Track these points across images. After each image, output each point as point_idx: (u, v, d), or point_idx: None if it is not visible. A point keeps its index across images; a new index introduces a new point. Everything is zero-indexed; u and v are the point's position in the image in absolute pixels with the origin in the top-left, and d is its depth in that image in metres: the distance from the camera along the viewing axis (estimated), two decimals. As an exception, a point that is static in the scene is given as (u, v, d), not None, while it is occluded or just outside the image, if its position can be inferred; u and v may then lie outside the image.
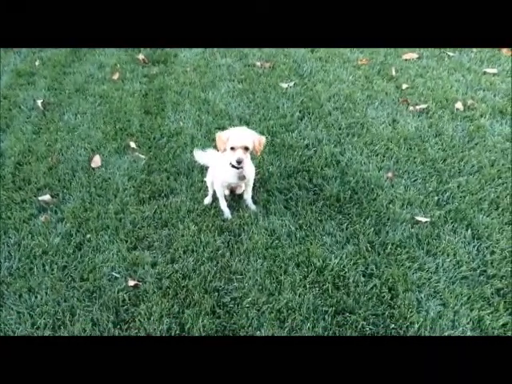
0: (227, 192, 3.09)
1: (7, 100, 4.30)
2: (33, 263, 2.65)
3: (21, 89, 4.51)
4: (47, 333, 2.28)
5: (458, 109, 4.06)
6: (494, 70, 4.69)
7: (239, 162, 2.68)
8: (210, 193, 3.07)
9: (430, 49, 5.15)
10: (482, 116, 3.94)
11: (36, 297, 2.47)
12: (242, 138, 2.67)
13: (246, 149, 2.69)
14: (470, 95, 4.27)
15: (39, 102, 4.21)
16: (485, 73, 4.65)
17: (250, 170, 2.88)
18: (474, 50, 5.12)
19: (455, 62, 4.88)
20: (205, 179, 3.08)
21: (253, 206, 3.05)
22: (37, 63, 5.02)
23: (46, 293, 2.48)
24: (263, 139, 2.79)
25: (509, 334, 2.28)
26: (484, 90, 4.34)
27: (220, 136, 2.71)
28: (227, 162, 2.77)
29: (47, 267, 2.62)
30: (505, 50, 5.07)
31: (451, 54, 5.05)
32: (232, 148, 2.67)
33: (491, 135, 3.70)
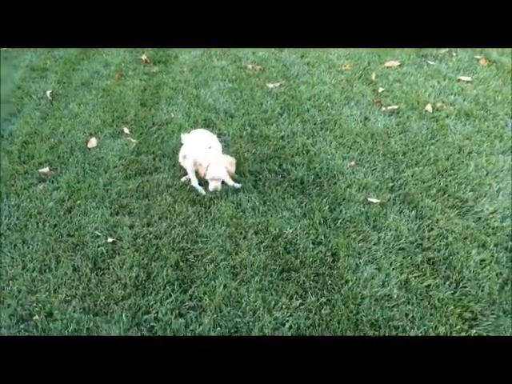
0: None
1: (20, 90, 4.80)
2: (28, 221, 3.09)
3: (33, 81, 5.02)
4: (34, 274, 2.69)
5: (426, 110, 4.41)
6: (468, 78, 5.02)
7: (215, 190, 3.27)
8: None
9: (411, 57, 5.51)
10: (447, 117, 4.29)
11: (28, 247, 2.89)
12: (218, 172, 3.21)
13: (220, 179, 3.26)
14: (440, 99, 4.61)
15: (48, 93, 4.70)
16: (459, 80, 4.99)
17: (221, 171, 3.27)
18: (454, 59, 5.46)
19: (433, 70, 5.23)
20: (179, 161, 3.48)
21: (237, 185, 3.42)
22: (49, 60, 5.53)
23: (37, 244, 2.91)
24: (234, 160, 3.35)
25: (431, 293, 2.62)
26: (455, 95, 4.67)
27: (201, 164, 3.22)
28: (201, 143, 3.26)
29: (40, 225, 3.05)
30: (482, 61, 5.41)
31: (431, 62, 5.41)
32: (210, 179, 3.22)
33: (452, 133, 4.04)
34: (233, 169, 3.31)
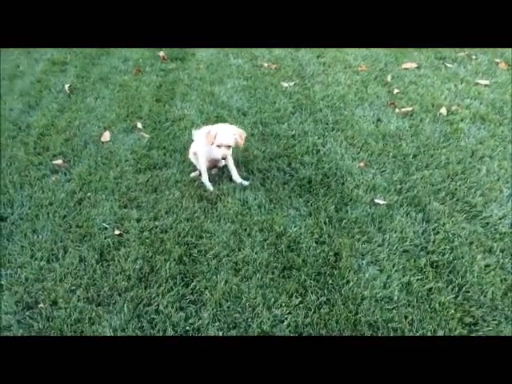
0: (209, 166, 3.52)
1: (40, 83, 4.94)
2: (39, 211, 3.17)
3: (53, 75, 5.15)
4: (42, 263, 2.77)
5: (441, 113, 4.37)
6: (486, 82, 4.95)
7: (224, 158, 3.32)
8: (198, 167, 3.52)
9: (429, 59, 5.46)
10: (461, 120, 4.23)
11: (38, 236, 2.97)
12: (226, 138, 3.23)
13: (229, 146, 3.26)
14: (456, 102, 4.56)
15: (66, 87, 4.83)
16: (477, 83, 4.92)
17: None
18: (473, 62, 5.39)
19: (451, 73, 5.18)
20: (189, 157, 3.54)
21: (245, 182, 3.47)
22: (70, 54, 5.65)
23: (46, 234, 2.99)
24: (244, 133, 3.36)
25: (432, 297, 2.61)
26: (471, 99, 4.61)
27: (209, 132, 3.23)
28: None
29: (51, 215, 3.13)
30: (502, 64, 5.32)
31: (449, 65, 5.35)
32: (218, 145, 3.22)
33: (466, 137, 4.00)
34: (242, 141, 3.32)
